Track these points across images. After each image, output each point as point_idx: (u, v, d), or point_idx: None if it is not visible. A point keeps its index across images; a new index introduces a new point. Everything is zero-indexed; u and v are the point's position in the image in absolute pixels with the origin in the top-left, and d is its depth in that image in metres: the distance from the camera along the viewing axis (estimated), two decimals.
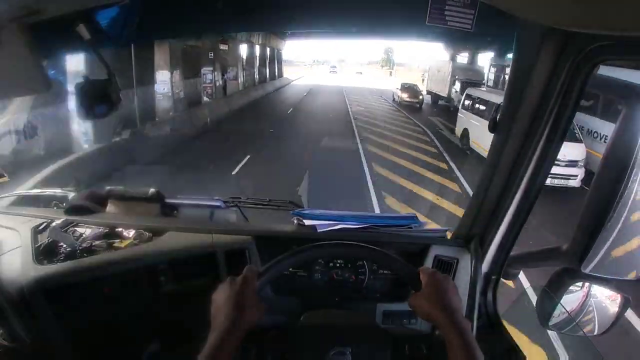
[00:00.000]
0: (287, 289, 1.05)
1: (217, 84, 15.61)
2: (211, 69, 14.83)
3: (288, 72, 38.36)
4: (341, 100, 21.39)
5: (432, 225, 1.13)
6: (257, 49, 23.25)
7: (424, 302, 0.70)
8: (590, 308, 1.07)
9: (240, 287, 0.69)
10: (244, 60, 20.63)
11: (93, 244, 1.08)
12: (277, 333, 0.76)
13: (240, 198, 1.23)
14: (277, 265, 0.74)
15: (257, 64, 23.60)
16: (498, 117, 0.90)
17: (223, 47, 16.59)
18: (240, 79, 19.67)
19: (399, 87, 20.54)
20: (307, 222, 1.04)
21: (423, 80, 26.72)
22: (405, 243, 1.08)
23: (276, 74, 29.41)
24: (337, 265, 1.08)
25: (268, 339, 0.74)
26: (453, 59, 20.80)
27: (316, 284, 1.09)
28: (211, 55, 14.74)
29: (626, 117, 0.84)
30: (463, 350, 0.61)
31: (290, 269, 1.05)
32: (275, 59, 29.04)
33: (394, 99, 21.11)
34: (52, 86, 0.86)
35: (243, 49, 20.35)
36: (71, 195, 1.28)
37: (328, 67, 63.86)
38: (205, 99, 14.31)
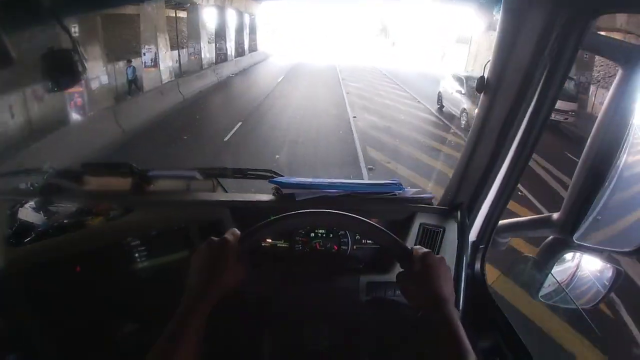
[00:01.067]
0: (268, 261, 1.02)
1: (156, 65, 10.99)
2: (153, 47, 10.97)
3: (270, 43, 30.66)
4: (336, 94, 12.34)
5: (419, 191, 1.08)
6: (214, 13, 16.50)
7: (414, 284, 0.66)
8: (582, 280, 1.04)
9: (219, 248, 0.65)
10: (193, 32, 14.97)
11: (65, 222, 1.05)
12: (258, 303, 0.72)
13: (217, 169, 1.19)
14: (260, 229, 0.70)
15: (214, 36, 17.15)
16: (486, 76, 0.84)
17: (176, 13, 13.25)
18: (171, 62, 12.57)
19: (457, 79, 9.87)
20: (285, 190, 1.00)
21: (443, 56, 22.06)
22: (389, 211, 1.04)
23: (246, 47, 21.65)
24: (319, 235, 1.05)
25: (249, 308, 0.70)
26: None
27: (297, 255, 1.05)
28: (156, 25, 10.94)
29: (622, 79, 0.79)
30: (451, 343, 0.58)
31: (270, 241, 1.01)
32: (245, 28, 21.37)
33: (441, 106, 10.60)
34: (14, 61, 0.80)
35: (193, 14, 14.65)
36: (45, 174, 1.24)
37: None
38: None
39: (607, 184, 0.86)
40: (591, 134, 0.85)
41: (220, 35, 17.53)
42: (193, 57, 15.21)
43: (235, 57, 18.84)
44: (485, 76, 0.84)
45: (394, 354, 0.72)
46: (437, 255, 0.68)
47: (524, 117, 0.82)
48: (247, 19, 21.69)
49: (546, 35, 0.73)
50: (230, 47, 18.57)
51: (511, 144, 0.85)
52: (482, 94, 0.86)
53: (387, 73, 18.51)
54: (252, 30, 23.62)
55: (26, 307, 0.97)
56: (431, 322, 0.62)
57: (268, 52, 26.78)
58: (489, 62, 0.84)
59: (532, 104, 0.80)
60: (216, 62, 16.51)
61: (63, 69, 0.94)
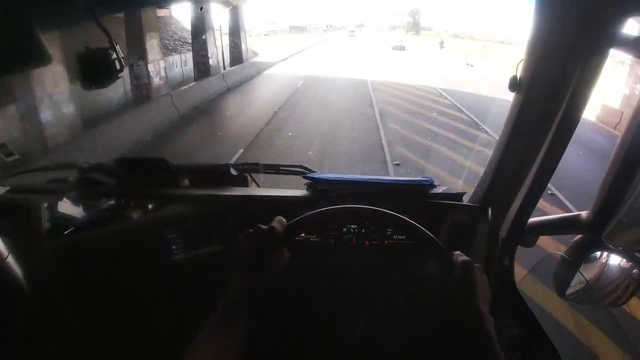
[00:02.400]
0: (302, 253, 1.04)
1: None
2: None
3: (288, 42, 29.68)
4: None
5: (449, 188, 1.08)
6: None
7: (451, 290, 0.66)
8: (609, 279, 1.04)
9: (267, 234, 0.67)
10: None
11: (103, 215, 1.09)
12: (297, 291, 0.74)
13: (250, 164, 1.21)
14: (306, 220, 0.72)
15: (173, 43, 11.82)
16: (518, 76, 0.84)
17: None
18: None
19: None
20: (319, 186, 1.02)
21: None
22: (421, 207, 1.05)
23: (222, 61, 14.22)
24: (352, 230, 1.06)
25: (289, 297, 0.73)
26: None
27: (329, 250, 1.07)
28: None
29: None
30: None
31: (304, 235, 1.04)
32: (212, 32, 13.35)
33: None
34: (51, 60, 0.84)
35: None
36: (81, 168, 1.28)
37: (346, 32, 54.52)
38: None
39: (637, 183, 0.86)
40: (622, 133, 0.84)
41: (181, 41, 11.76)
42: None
43: (205, 76, 12.33)
44: (518, 75, 0.84)
45: (425, 348, 0.73)
46: (477, 265, 0.68)
47: (556, 116, 0.82)
48: (233, 15, 15.42)
49: (579, 34, 0.73)
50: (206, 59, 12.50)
51: (542, 143, 0.85)
52: (514, 93, 0.86)
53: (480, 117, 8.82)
54: (234, 32, 16.15)
55: (66, 298, 1.01)
56: (465, 334, 0.62)
57: (267, 60, 19.19)
58: (521, 62, 0.84)
59: (564, 103, 0.80)
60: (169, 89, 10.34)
61: (100, 68, 0.96)
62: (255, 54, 20.46)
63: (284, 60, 21.70)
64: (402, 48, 29.19)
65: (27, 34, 0.77)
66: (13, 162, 1.54)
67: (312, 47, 31.79)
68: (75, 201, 1.15)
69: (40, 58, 0.81)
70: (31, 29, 0.75)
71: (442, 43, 30.70)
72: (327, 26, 66.03)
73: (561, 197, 4.57)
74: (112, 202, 1.13)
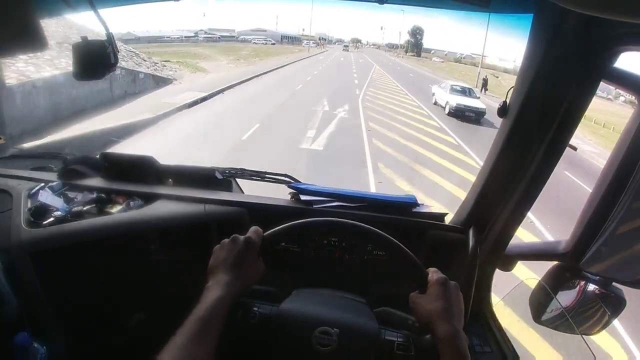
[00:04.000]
0: (278, 264, 1.03)
1: None
2: None
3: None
4: None
5: (432, 208, 1.10)
6: None
7: (426, 307, 0.66)
8: (585, 306, 1.05)
9: (243, 246, 0.68)
10: None
11: (84, 208, 1.07)
12: (265, 301, 0.74)
13: (236, 169, 1.21)
14: (283, 231, 0.72)
15: None
16: (508, 102, 0.86)
17: None
18: None
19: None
20: (303, 197, 1.02)
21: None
22: (402, 224, 1.05)
23: None
24: (332, 243, 1.06)
25: (256, 304, 0.72)
26: None
27: (309, 261, 1.07)
28: None
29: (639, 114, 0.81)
30: None
31: (284, 244, 1.03)
32: None
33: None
34: (48, 46, 0.83)
35: None
36: (66, 158, 1.27)
37: (341, 46, 50.47)
38: None
39: (618, 214, 0.88)
40: (605, 164, 0.87)
41: None
42: None
43: None
44: (508, 102, 0.86)
45: None
46: (452, 282, 0.69)
47: (542, 144, 0.84)
48: None
49: (569, 65, 0.75)
50: None
51: (527, 170, 0.87)
52: (502, 119, 0.88)
53: None
54: None
55: (40, 288, 0.99)
56: (439, 348, 0.62)
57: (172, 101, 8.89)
58: (512, 89, 0.86)
59: (552, 131, 0.82)
60: None
61: (95, 59, 0.96)
62: None
63: None
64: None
65: (26, 20, 0.76)
66: None
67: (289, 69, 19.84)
68: (58, 192, 1.13)
69: (39, 43, 0.80)
70: (30, 14, 0.75)
71: (485, 82, 16.84)
72: (319, 38, 53.22)
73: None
74: (95, 195, 1.12)
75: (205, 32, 35.89)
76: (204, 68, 16.19)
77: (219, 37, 36.01)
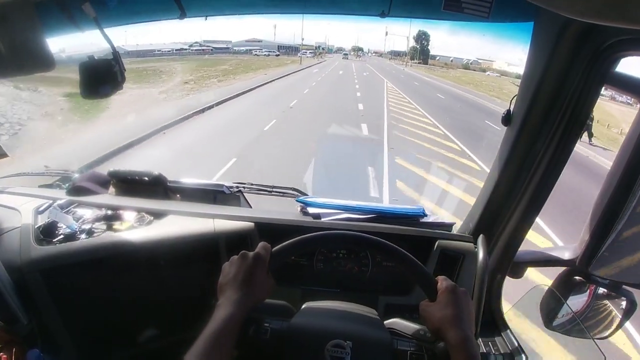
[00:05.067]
0: (288, 278, 1.04)
1: None
2: None
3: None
4: None
5: (440, 218, 1.10)
6: None
7: (437, 314, 0.66)
8: (596, 310, 1.05)
9: (252, 262, 0.68)
10: None
11: (93, 225, 1.08)
12: (276, 316, 0.74)
13: (244, 184, 1.22)
14: (292, 246, 0.72)
15: None
16: (512, 110, 0.87)
17: None
18: None
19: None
20: (310, 210, 1.02)
21: None
22: (411, 235, 1.06)
23: None
24: (341, 255, 1.07)
25: (267, 320, 0.72)
26: None
27: (318, 274, 1.07)
28: None
29: None
30: None
31: (293, 258, 1.03)
32: None
33: None
34: (56, 65, 0.85)
35: None
36: (74, 176, 1.28)
37: (341, 55, 47.37)
38: None
39: (624, 217, 0.88)
40: (610, 168, 0.87)
41: None
42: None
43: None
44: (511, 110, 0.87)
45: None
46: (462, 289, 0.69)
47: (548, 150, 0.84)
48: None
49: (572, 72, 0.76)
50: None
51: (533, 176, 0.87)
52: (507, 127, 0.89)
53: None
54: None
55: (51, 305, 0.99)
56: (449, 354, 0.62)
57: None
58: (515, 97, 0.87)
59: (557, 138, 0.83)
60: None
61: (102, 78, 0.97)
62: None
63: None
64: None
65: (34, 40, 0.78)
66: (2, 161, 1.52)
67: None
68: (66, 209, 1.13)
69: (46, 63, 0.82)
70: (38, 35, 0.76)
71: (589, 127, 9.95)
72: (316, 47, 47.73)
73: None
74: (103, 212, 1.12)
75: (200, 45, 34.18)
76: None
77: (211, 50, 33.77)
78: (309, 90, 14.57)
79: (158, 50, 27.29)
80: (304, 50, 43.81)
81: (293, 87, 15.71)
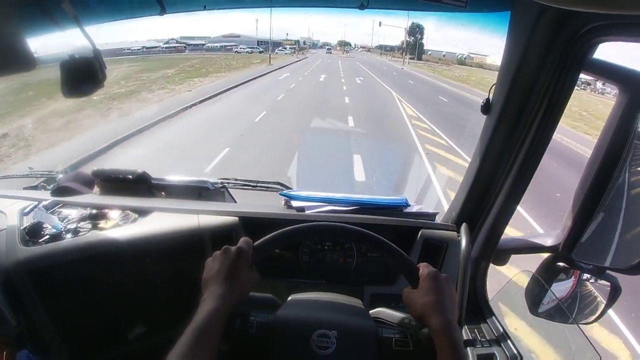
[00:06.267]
0: (273, 271, 1.04)
1: None
2: None
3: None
4: None
5: (423, 208, 1.10)
6: None
7: (419, 301, 0.67)
8: (580, 296, 1.06)
9: (234, 257, 0.68)
10: None
11: (78, 225, 1.07)
12: (262, 309, 0.74)
13: (228, 179, 1.22)
14: (273, 240, 0.73)
15: None
16: (491, 99, 0.87)
17: None
18: None
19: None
20: (294, 203, 1.02)
21: None
22: (395, 225, 1.06)
23: None
24: (326, 247, 1.07)
25: (253, 314, 0.73)
26: None
27: (303, 267, 1.08)
28: None
29: (620, 104, 0.82)
30: None
31: (277, 251, 1.04)
32: None
33: None
34: (37, 64, 0.84)
35: None
36: (58, 176, 1.27)
37: (324, 50, 44.02)
38: None
39: (606, 202, 0.89)
40: (591, 154, 0.88)
41: None
42: None
43: None
44: (490, 98, 0.88)
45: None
46: (443, 275, 0.70)
47: (527, 138, 0.85)
48: None
49: (549, 59, 0.76)
50: None
51: (513, 164, 0.88)
52: (486, 116, 0.90)
53: None
54: None
55: (39, 305, 0.99)
56: (434, 340, 0.63)
57: None
58: (494, 85, 0.87)
59: (535, 125, 0.84)
60: None
61: (84, 76, 0.96)
62: None
63: None
64: None
65: (13, 39, 0.77)
66: None
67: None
68: (51, 210, 1.13)
69: (26, 63, 0.81)
70: (17, 34, 0.76)
71: None
72: (295, 42, 40.61)
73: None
74: (88, 211, 1.12)
75: (177, 42, 31.95)
76: None
77: (183, 47, 31.07)
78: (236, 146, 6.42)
79: (127, 49, 24.36)
80: (283, 47, 38.77)
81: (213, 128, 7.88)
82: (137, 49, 25.82)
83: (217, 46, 33.78)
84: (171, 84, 13.70)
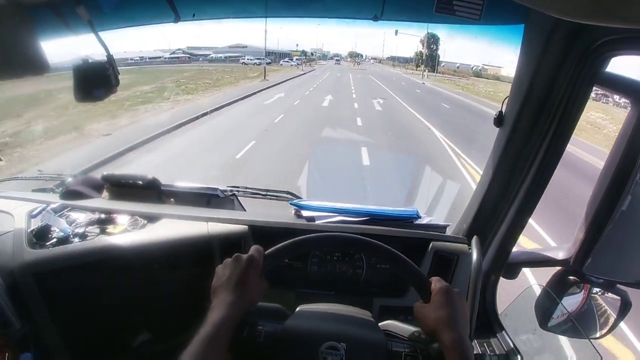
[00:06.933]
0: (282, 281, 1.03)
1: None
2: None
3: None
4: None
5: (434, 220, 1.09)
6: None
7: (431, 315, 0.66)
8: (591, 310, 1.05)
9: (245, 265, 0.68)
10: None
11: (86, 229, 1.07)
12: (270, 319, 0.73)
13: (238, 187, 1.22)
14: (285, 249, 0.72)
15: None
16: (504, 111, 0.87)
17: None
18: None
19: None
20: (305, 213, 1.02)
21: None
22: (405, 237, 1.06)
23: None
24: (335, 257, 1.06)
25: (261, 323, 0.72)
26: None
27: (312, 277, 1.07)
28: None
29: (633, 117, 0.82)
30: None
31: (287, 260, 1.03)
32: None
33: None
34: (50, 68, 0.85)
35: None
36: (67, 180, 1.27)
37: (333, 62, 41.70)
38: None
39: (616, 216, 0.88)
40: (602, 168, 0.88)
41: None
42: None
43: None
44: (503, 111, 0.88)
45: None
46: (455, 290, 0.69)
47: (540, 151, 0.85)
48: None
49: (562, 73, 0.76)
50: None
51: (526, 177, 0.88)
52: (499, 129, 0.89)
53: None
54: None
55: (44, 309, 0.99)
56: (444, 355, 0.62)
57: None
58: (507, 98, 0.87)
59: (548, 138, 0.83)
60: None
61: (96, 81, 0.97)
62: None
63: None
64: None
65: (27, 43, 0.78)
66: None
67: None
68: (59, 213, 1.13)
69: (40, 66, 0.82)
70: (31, 37, 0.76)
71: None
72: (302, 52, 37.16)
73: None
74: (96, 216, 1.12)
75: (183, 52, 30.89)
76: None
77: (187, 58, 29.75)
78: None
79: (131, 59, 23.38)
80: (290, 57, 35.81)
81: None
82: (139, 59, 24.83)
83: (221, 57, 32.11)
84: (119, 109, 9.55)
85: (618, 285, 0.98)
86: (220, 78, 19.05)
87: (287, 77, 21.79)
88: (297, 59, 36.05)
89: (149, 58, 26.35)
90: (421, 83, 25.68)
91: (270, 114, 9.70)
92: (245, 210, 1.26)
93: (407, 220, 1.06)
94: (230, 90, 14.82)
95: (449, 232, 1.11)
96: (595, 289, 1.03)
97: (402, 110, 12.45)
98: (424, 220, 1.08)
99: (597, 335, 1.03)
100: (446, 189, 4.95)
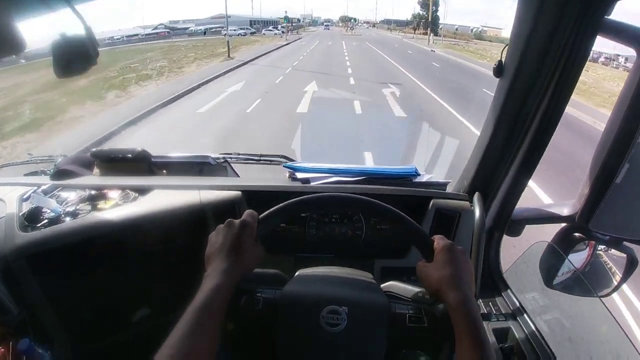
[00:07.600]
0: (280, 246, 1.01)
1: None
2: None
3: None
4: None
5: (433, 177, 1.06)
6: None
7: (434, 275, 0.63)
8: (596, 267, 1.03)
9: (238, 230, 0.65)
10: None
11: (77, 207, 1.05)
12: (269, 285, 0.71)
13: (230, 154, 1.19)
14: (279, 211, 0.69)
15: None
16: (504, 61, 0.83)
17: None
18: None
19: None
20: (299, 175, 0.99)
21: None
22: (405, 195, 1.03)
23: None
24: (333, 220, 1.04)
25: (259, 290, 0.70)
26: None
27: (310, 240, 1.05)
28: None
29: (638, 68, 0.78)
30: (472, 340, 0.56)
31: (284, 225, 1.01)
32: None
33: None
34: (26, 46, 0.80)
35: None
36: (58, 160, 1.25)
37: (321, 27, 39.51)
38: None
39: (622, 171, 0.85)
40: (607, 121, 0.84)
41: None
42: None
43: None
44: (503, 61, 0.83)
45: (410, 337, 0.71)
46: (459, 247, 0.66)
47: (542, 102, 0.81)
48: None
49: (564, 20, 0.72)
50: None
51: (528, 130, 0.84)
52: (499, 79, 0.85)
53: None
54: None
55: (40, 291, 0.97)
56: (449, 315, 0.60)
57: None
58: (507, 47, 0.83)
59: (550, 89, 0.79)
60: None
61: (75, 55, 0.93)
62: None
63: None
64: None
65: (1, 20, 0.73)
66: None
67: None
68: (50, 194, 1.11)
69: (15, 45, 0.77)
70: (4, 15, 0.72)
71: None
72: (286, 18, 32.65)
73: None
74: (87, 193, 1.10)
75: (165, 26, 29.31)
76: None
77: (167, 32, 27.12)
78: None
79: (108, 39, 20.59)
80: (274, 26, 32.55)
81: None
82: (118, 39, 22.21)
83: (200, 30, 29.15)
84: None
85: (625, 243, 0.96)
86: (186, 55, 15.59)
87: (262, 51, 17.61)
88: (281, 27, 32.44)
89: (127, 36, 23.93)
90: (430, 50, 21.59)
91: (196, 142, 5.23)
92: (238, 177, 1.23)
93: (405, 179, 1.03)
94: (171, 82, 10.02)
95: (449, 189, 1.08)
96: (601, 246, 1.01)
97: (436, 109, 7.58)
98: (424, 177, 1.05)
99: (602, 293, 1.01)
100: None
